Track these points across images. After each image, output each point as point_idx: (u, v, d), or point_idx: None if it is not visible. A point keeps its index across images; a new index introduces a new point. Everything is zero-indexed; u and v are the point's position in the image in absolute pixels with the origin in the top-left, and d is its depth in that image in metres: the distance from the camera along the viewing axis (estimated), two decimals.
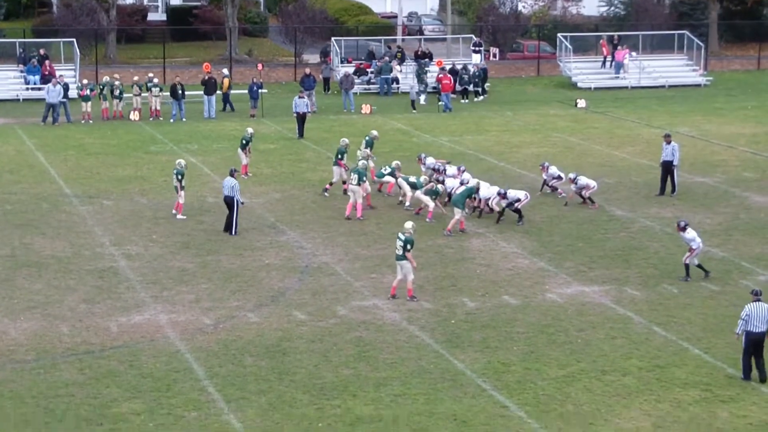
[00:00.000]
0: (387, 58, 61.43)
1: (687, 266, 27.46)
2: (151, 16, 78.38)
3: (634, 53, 63.88)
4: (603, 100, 57.65)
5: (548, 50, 70.10)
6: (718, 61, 71.36)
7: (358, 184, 32.86)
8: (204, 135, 47.12)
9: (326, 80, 60.32)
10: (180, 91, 50.60)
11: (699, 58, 65.15)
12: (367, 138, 37.99)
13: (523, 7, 78.58)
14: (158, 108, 51.29)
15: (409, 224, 26.20)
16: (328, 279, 27.57)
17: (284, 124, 49.19)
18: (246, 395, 20.67)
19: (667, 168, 36.24)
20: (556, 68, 66.02)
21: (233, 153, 40.95)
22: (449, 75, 55.95)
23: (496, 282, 27.40)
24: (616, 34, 65.37)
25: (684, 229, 27.35)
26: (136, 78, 53.33)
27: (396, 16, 75.75)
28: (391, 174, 34.92)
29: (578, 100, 56.09)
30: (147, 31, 74.79)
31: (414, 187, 33.69)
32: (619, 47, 63.59)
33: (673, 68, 64.78)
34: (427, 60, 61.17)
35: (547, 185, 36.12)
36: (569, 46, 63.88)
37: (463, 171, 34.69)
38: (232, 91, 54.11)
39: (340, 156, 35.83)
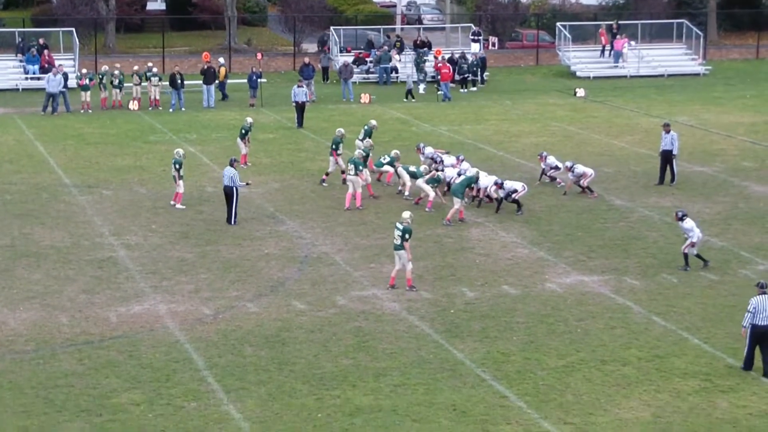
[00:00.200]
0: (386, 48, 61.37)
1: (686, 256, 27.43)
2: (150, 6, 78.42)
3: (633, 42, 63.79)
4: (602, 89, 57.60)
5: (547, 39, 69.99)
6: (717, 50, 71.32)
7: (356, 174, 32.85)
8: (203, 124, 47.08)
9: (325, 69, 60.21)
10: (179, 81, 50.51)
11: (698, 47, 65.02)
12: (366, 127, 37.93)
13: None
14: (157, 97, 51.25)
15: (407, 214, 26.16)
16: (327, 269, 27.57)
17: (283, 114, 49.14)
18: (245, 385, 20.67)
19: (666, 157, 36.21)
20: (555, 57, 65.93)
21: (232, 142, 40.91)
22: (448, 64, 55.87)
23: (495, 272, 27.39)
24: (615, 23, 65.20)
25: (682, 219, 27.33)
26: (135, 67, 53.26)
27: (395, 5, 75.68)
28: (390, 163, 34.89)
29: (577, 90, 56.04)
30: (146, 21, 74.83)
31: (414, 176, 33.65)
32: (618, 36, 63.46)
33: (671, 57, 64.65)
34: (426, 49, 61.07)
35: (546, 175, 36.10)
36: (568, 35, 63.77)
37: (462, 160, 34.71)
38: (230, 81, 54.05)
39: (334, 146, 35.80)
